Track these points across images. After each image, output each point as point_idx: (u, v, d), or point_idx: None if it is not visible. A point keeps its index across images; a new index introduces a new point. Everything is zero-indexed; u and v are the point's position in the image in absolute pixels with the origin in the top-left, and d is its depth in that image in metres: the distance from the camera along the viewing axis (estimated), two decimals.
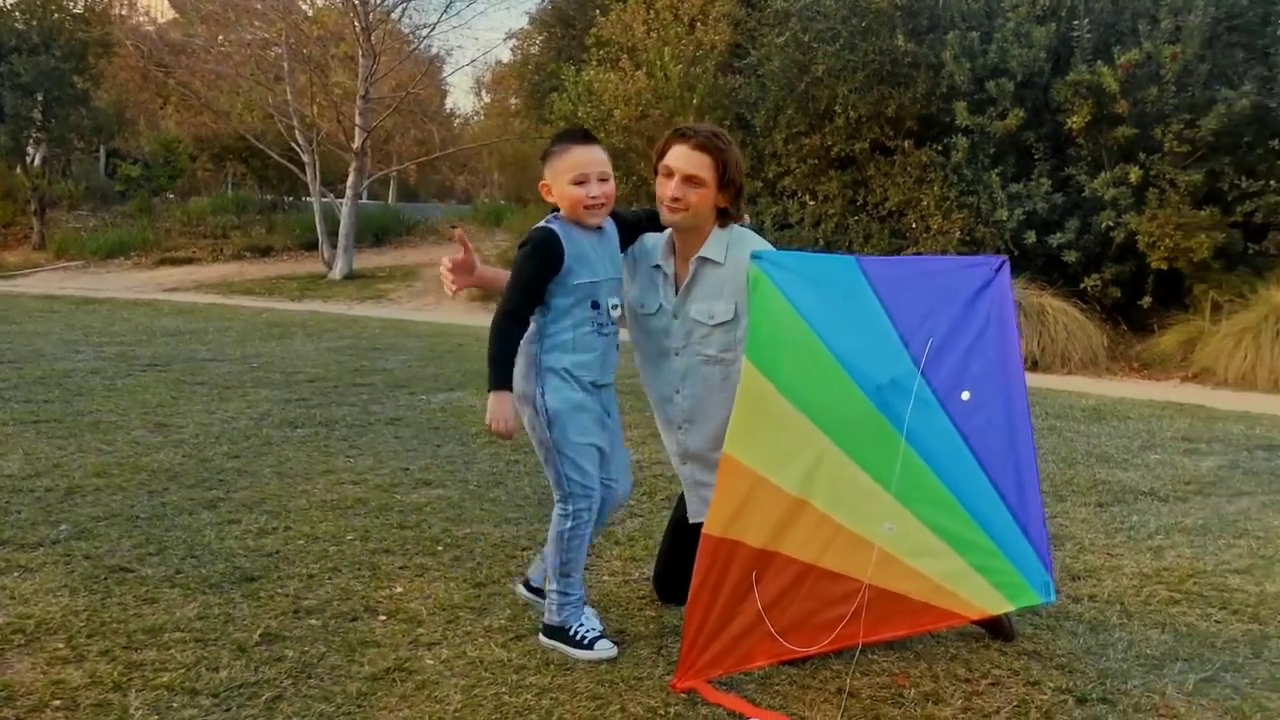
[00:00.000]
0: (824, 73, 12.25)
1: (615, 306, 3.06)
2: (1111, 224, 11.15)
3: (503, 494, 4.82)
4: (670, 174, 2.99)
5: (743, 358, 2.92)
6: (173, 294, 17.17)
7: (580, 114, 14.71)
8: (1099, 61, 10.95)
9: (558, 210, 3.01)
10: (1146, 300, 11.21)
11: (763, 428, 2.84)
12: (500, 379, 2.93)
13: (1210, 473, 5.63)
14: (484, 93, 39.99)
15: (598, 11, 15.92)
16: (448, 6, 25.47)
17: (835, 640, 2.90)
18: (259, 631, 3.12)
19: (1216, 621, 3.43)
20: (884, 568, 2.88)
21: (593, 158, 2.99)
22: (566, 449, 3.01)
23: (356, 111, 19.18)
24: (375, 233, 22.49)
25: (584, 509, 3.04)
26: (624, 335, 3.16)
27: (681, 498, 3.36)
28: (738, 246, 3.06)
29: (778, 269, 2.92)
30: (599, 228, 3.03)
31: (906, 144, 12.28)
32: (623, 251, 3.16)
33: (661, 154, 3.03)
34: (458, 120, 38.19)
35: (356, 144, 19.21)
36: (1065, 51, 11.45)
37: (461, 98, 67.60)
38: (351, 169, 19.36)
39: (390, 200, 31.31)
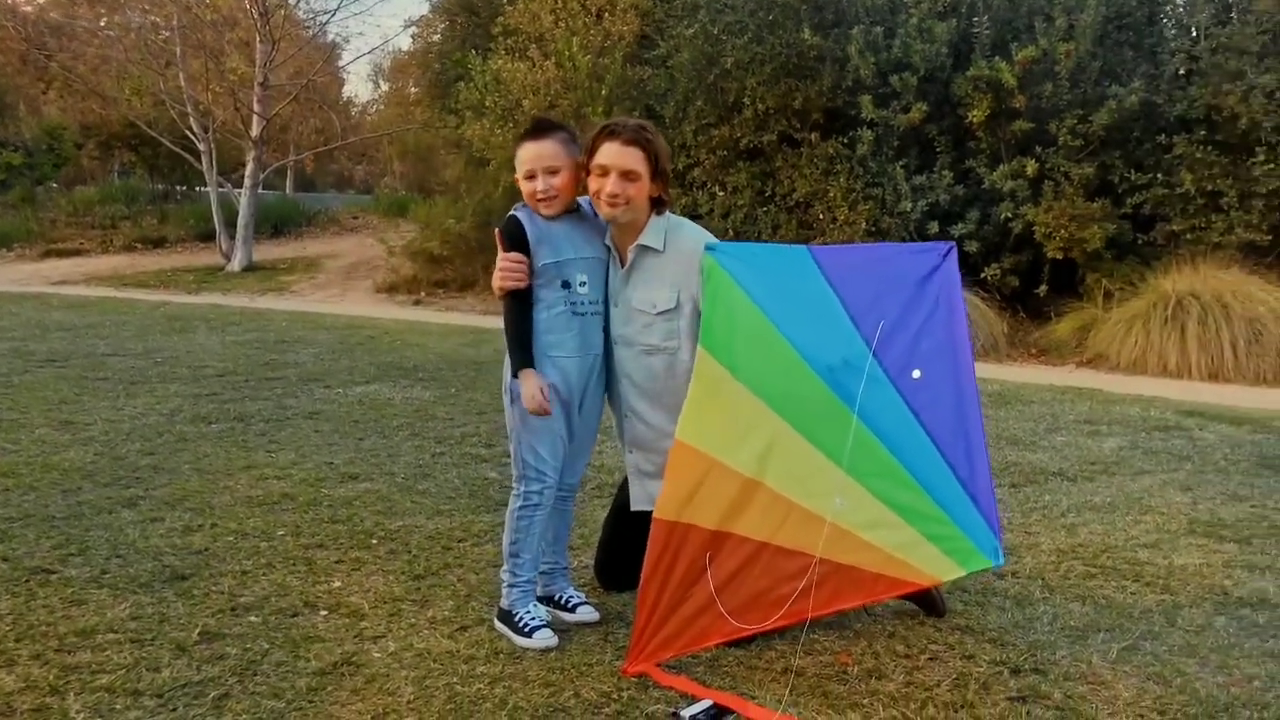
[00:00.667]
0: (732, 65, 12.36)
1: (584, 284, 3.09)
2: (1010, 215, 11.52)
3: (432, 486, 4.78)
4: (605, 172, 3.01)
5: (686, 345, 2.97)
6: (61, 287, 16.50)
7: (488, 103, 14.59)
8: (997, 57, 11.28)
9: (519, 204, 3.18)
10: (1043, 289, 11.61)
11: (716, 412, 2.89)
12: (522, 358, 3.03)
13: (1113, 453, 5.89)
14: (383, 81, 39.39)
15: (505, 0, 15.78)
16: None
17: (785, 615, 2.97)
18: (197, 630, 3.05)
19: (1132, 594, 3.60)
20: (836, 542, 2.96)
21: (540, 152, 3.03)
22: (524, 430, 3.05)
23: (254, 99, 18.68)
24: (274, 223, 21.99)
25: (534, 491, 3.08)
26: None
27: (623, 485, 3.38)
28: (676, 233, 3.11)
29: (731, 259, 2.98)
30: (569, 214, 3.09)
31: (813, 136, 12.48)
32: None
33: (591, 152, 3.04)
34: (356, 109, 37.55)
35: (255, 132, 18.71)
36: (965, 47, 11.77)
37: (360, 85, 66.26)
38: (250, 158, 18.85)
39: (287, 190, 30.58)
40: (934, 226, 11.68)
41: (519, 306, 3.03)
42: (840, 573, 3.01)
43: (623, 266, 3.14)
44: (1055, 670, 2.94)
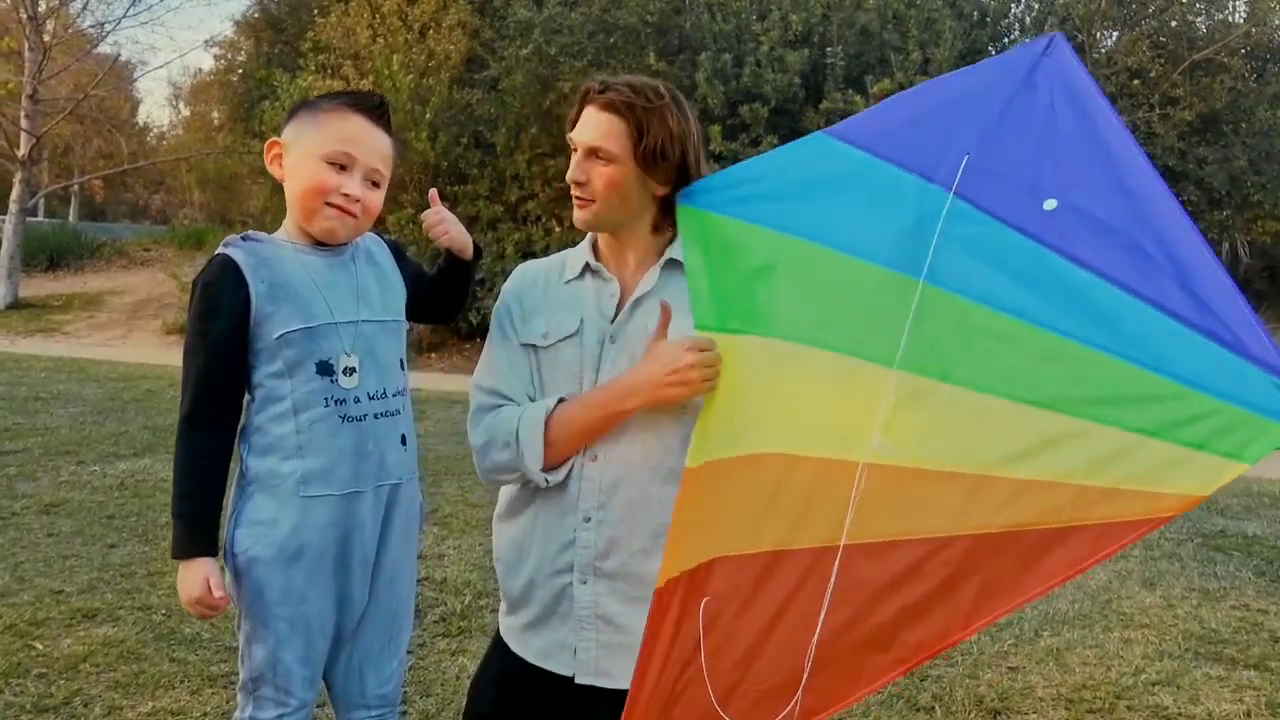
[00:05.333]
0: (571, 89, 11.36)
1: (350, 369, 1.85)
2: None
3: (206, 626, 3.43)
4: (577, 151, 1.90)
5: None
6: None
7: None
8: (851, 90, 10.72)
9: (245, 234, 1.85)
10: None
11: (729, 400, 1.78)
12: (190, 535, 1.74)
13: None
14: (183, 104, 36.66)
15: (316, 14, 14.33)
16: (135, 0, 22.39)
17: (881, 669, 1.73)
18: None
19: None
20: (916, 505, 1.67)
21: (371, 140, 1.84)
22: (257, 618, 1.81)
23: (22, 114, 16.45)
24: (50, 255, 19.51)
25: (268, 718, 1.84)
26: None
27: (498, 648, 2.15)
28: None
29: (712, 193, 1.86)
30: (340, 248, 1.87)
31: None
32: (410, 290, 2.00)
33: (573, 124, 1.92)
34: (153, 133, 34.79)
35: (22, 151, 16.45)
36: (818, 79, 11.17)
37: (157, 109, 62.25)
38: (16, 180, 16.53)
39: (71, 219, 27.67)
40: None
41: (206, 441, 1.77)
42: (980, 550, 1.63)
43: (620, 295, 1.99)
44: None
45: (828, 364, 1.72)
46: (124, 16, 21.48)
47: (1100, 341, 1.59)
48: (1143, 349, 1.57)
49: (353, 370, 1.80)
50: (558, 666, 1.94)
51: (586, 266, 1.96)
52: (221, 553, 1.77)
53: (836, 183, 1.83)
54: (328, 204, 1.78)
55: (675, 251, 1.93)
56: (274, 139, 1.83)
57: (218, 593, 1.72)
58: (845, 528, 1.64)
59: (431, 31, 13.16)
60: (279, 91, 13.70)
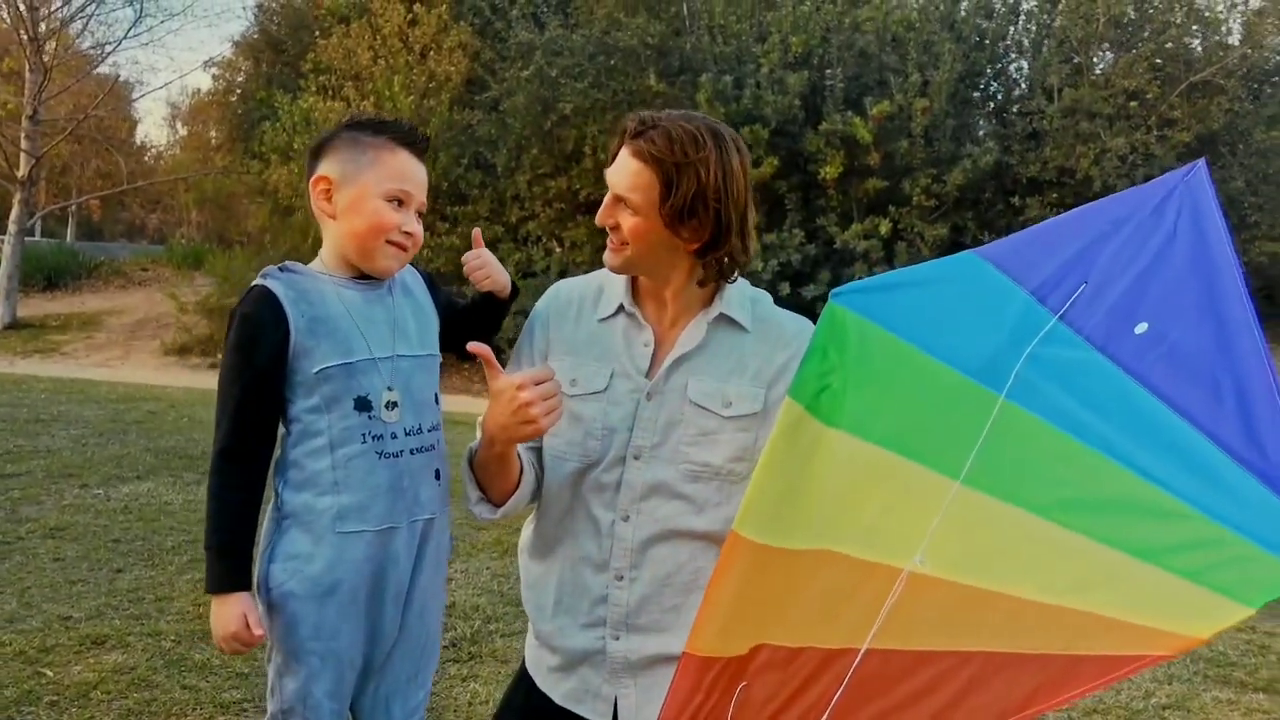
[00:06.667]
0: (572, 111, 11.42)
1: (393, 404, 1.85)
2: (864, 276, 10.96)
3: (216, 654, 3.42)
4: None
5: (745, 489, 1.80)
6: None
7: (297, 145, 13.13)
8: (851, 112, 10.76)
9: (276, 264, 1.86)
10: None
11: (805, 489, 1.78)
12: (226, 570, 1.73)
13: None
14: (180, 124, 36.69)
15: (317, 35, 14.38)
16: (137, 20, 22.43)
17: None
18: None
19: None
20: (958, 618, 1.71)
21: (420, 175, 1.86)
22: (289, 652, 1.80)
23: (22, 134, 16.47)
24: (47, 275, 19.49)
25: None
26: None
27: (519, 681, 2.15)
28: (766, 309, 1.94)
29: (862, 294, 1.85)
30: (378, 281, 1.87)
31: None
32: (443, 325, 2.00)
33: (612, 159, 1.90)
34: (150, 153, 34.82)
35: (22, 172, 16.46)
36: (818, 100, 11.22)
37: (155, 129, 62.27)
38: (16, 200, 16.53)
39: (69, 239, 27.66)
40: (785, 287, 10.98)
41: (243, 475, 1.76)
42: (990, 670, 1.63)
43: (655, 346, 1.96)
44: None
45: (903, 470, 1.76)
46: (125, 38, 21.56)
47: (1158, 475, 1.64)
48: (1200, 490, 1.61)
49: (395, 405, 1.80)
50: (588, 713, 1.93)
51: (621, 307, 1.93)
52: (255, 586, 1.76)
53: (968, 299, 1.84)
54: (389, 242, 1.79)
55: (729, 308, 1.89)
56: (321, 174, 1.82)
57: (257, 630, 1.71)
58: (872, 631, 1.68)
59: (432, 53, 13.21)
60: (279, 112, 13.74)
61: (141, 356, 14.81)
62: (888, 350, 1.83)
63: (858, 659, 1.65)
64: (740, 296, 1.91)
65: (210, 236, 26.23)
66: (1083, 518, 1.65)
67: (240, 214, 22.75)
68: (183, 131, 35.72)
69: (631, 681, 1.92)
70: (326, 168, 1.83)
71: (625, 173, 1.79)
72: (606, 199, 1.84)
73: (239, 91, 21.13)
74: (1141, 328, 1.65)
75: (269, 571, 1.78)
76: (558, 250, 12.24)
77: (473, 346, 1.76)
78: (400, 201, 1.81)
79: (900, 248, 10.94)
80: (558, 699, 1.98)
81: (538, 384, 1.70)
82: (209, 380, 12.09)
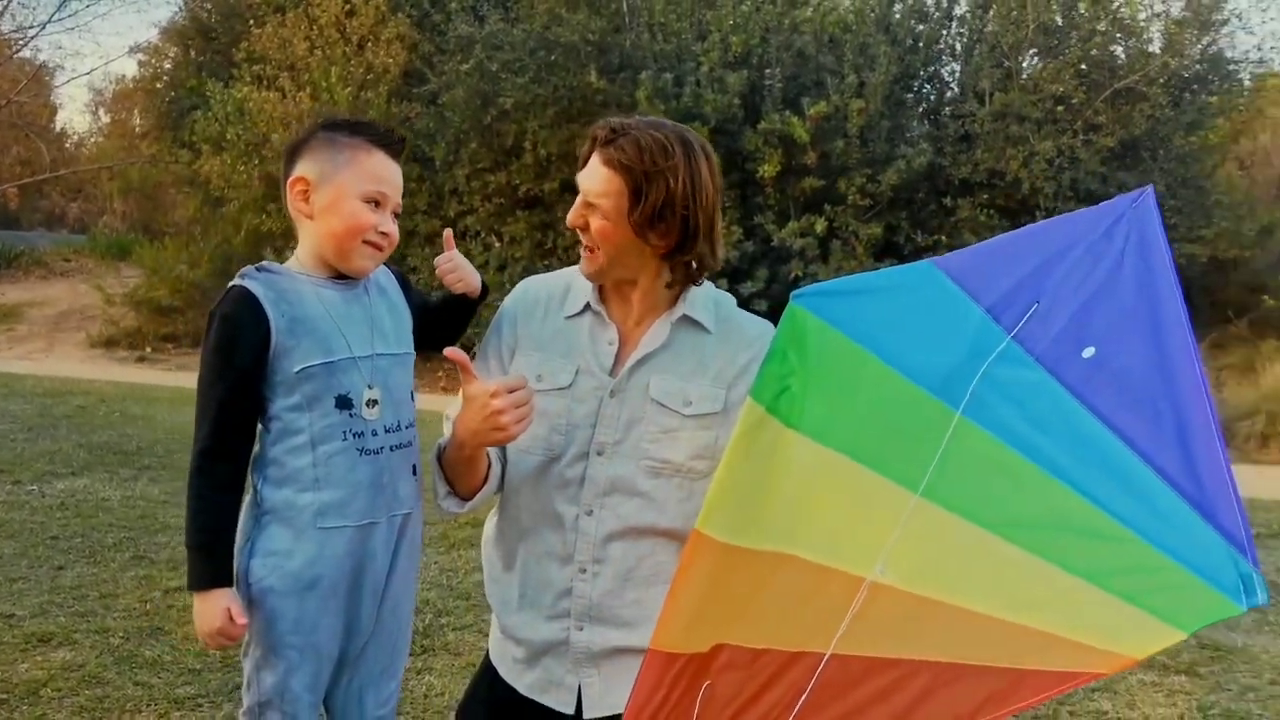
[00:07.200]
0: (512, 106, 11.39)
1: (373, 402, 1.89)
2: (800, 274, 11.12)
3: (166, 649, 3.40)
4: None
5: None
6: None
7: (230, 136, 12.93)
8: (789, 112, 10.91)
9: (254, 263, 1.89)
10: None
11: (764, 488, 1.84)
12: (208, 567, 1.75)
13: None
14: (103, 111, 35.71)
15: (251, 23, 14.14)
16: (62, 4, 21.75)
17: None
18: None
19: None
20: (895, 627, 1.81)
21: (396, 176, 1.90)
22: (268, 646, 1.83)
23: None
24: None
25: None
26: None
27: (487, 672, 2.18)
28: (729, 311, 2.01)
29: (822, 297, 1.90)
30: (354, 280, 1.91)
31: None
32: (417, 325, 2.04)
33: (583, 163, 1.95)
34: (71, 140, 33.84)
35: None
36: (756, 100, 11.34)
37: (76, 116, 60.44)
38: None
39: None
40: (723, 284, 11.09)
41: (226, 473, 1.79)
42: (944, 677, 1.74)
43: (620, 344, 2.05)
44: None
45: (861, 478, 1.82)
46: (49, 21, 20.92)
47: (1101, 498, 1.72)
48: (1140, 515, 1.71)
49: (375, 403, 1.84)
50: (553, 703, 1.99)
51: (588, 305, 2.00)
52: (234, 581, 1.79)
53: (925, 310, 1.91)
54: (365, 241, 1.83)
55: (693, 309, 1.96)
56: (299, 175, 1.85)
57: (240, 621, 1.74)
58: (835, 637, 1.75)
59: (370, 44, 13.08)
60: (212, 101, 13.49)
61: (66, 349, 14.45)
62: (847, 357, 1.91)
63: (822, 664, 1.74)
64: (704, 298, 1.99)
65: (135, 227, 25.58)
66: (1032, 536, 1.74)
67: (167, 204, 22.22)
68: (105, 119, 34.78)
69: (595, 670, 1.98)
70: (304, 169, 1.87)
71: (596, 179, 1.86)
72: (578, 201, 1.91)
73: (166, 79, 20.64)
74: (1089, 352, 1.76)
75: (249, 567, 1.81)
76: (496, 245, 12.21)
77: (450, 352, 1.82)
78: (377, 203, 1.86)
79: (835, 246, 11.11)
80: (522, 689, 2.03)
81: (511, 391, 1.75)
82: (138, 374, 11.86)
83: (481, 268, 12.01)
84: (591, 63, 11.49)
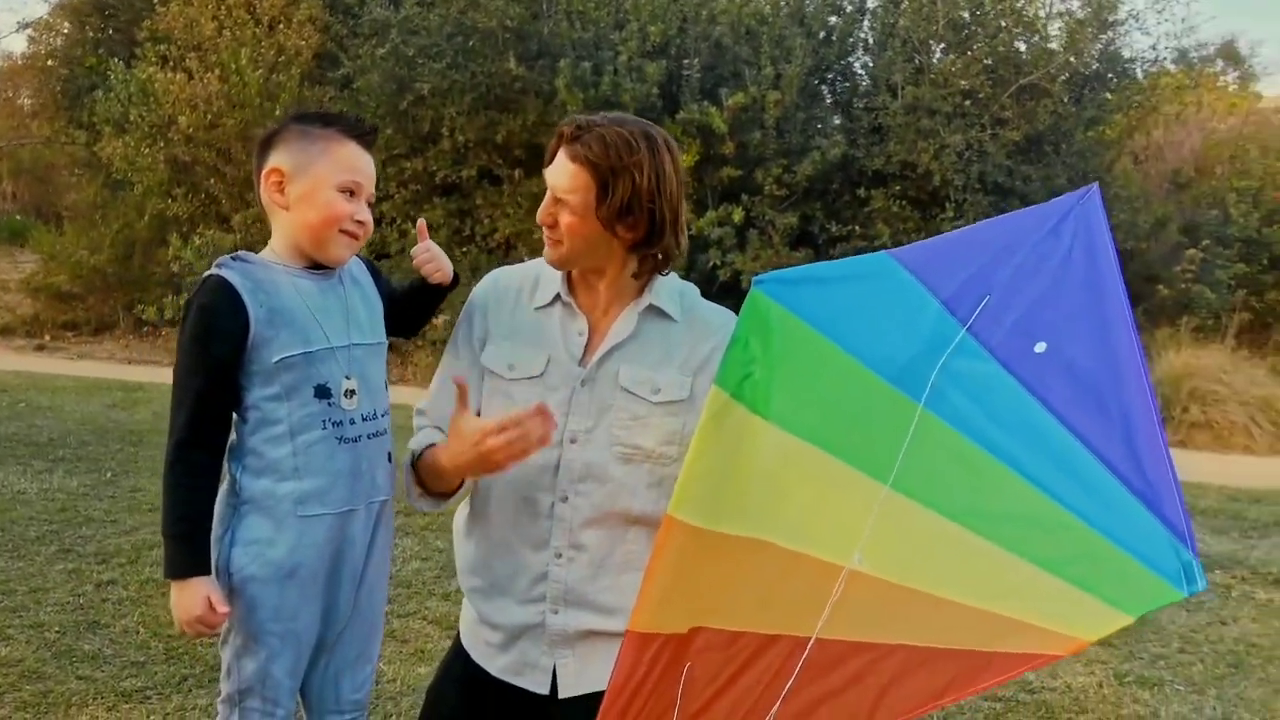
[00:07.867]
0: (429, 92, 11.28)
1: (351, 391, 1.92)
2: (718, 263, 11.26)
3: (106, 642, 3.35)
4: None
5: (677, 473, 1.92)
6: None
7: (133, 118, 12.53)
8: (707, 102, 11.02)
9: (232, 253, 1.91)
10: None
11: (732, 473, 1.91)
12: (187, 556, 1.76)
13: None
14: None
15: (154, 1, 13.69)
16: None
17: None
18: None
19: None
20: (879, 608, 1.91)
21: (370, 166, 1.95)
22: (249, 634, 1.85)
23: None
24: None
25: None
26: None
27: (458, 653, 2.22)
28: (693, 301, 2.08)
29: (782, 285, 1.97)
30: (330, 270, 1.93)
31: (517, 173, 11.64)
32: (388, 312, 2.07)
33: (549, 159, 2.00)
34: None
35: None
36: (675, 90, 11.43)
37: None
38: None
39: None
40: None
41: (203, 462, 1.80)
42: (906, 661, 1.85)
43: (589, 334, 2.07)
44: None
45: (829, 467, 1.90)
46: None
47: (1055, 490, 1.83)
48: (1089, 505, 1.82)
49: (353, 393, 1.87)
50: (527, 684, 2.05)
51: (558, 296, 2.05)
52: (214, 571, 1.80)
53: (883, 300, 2.00)
54: (342, 231, 1.85)
55: (658, 299, 2.04)
56: (273, 166, 1.87)
57: (221, 609, 1.75)
58: (820, 623, 1.83)
59: (281, 26, 12.79)
60: (113, 81, 13.05)
61: None
62: (809, 345, 2.00)
63: (808, 649, 1.82)
64: (669, 289, 2.07)
65: (26, 209, 24.58)
66: (994, 526, 1.84)
67: (61, 186, 21.40)
68: None
69: (570, 651, 2.04)
70: (278, 159, 1.88)
71: (563, 175, 1.92)
72: (546, 198, 1.98)
73: (59, 56, 19.85)
74: (1041, 347, 1.89)
75: (230, 556, 1.82)
76: (412, 232, 12.09)
77: (455, 379, 1.87)
78: (352, 192, 1.89)
79: (752, 235, 11.27)
80: (495, 672, 2.08)
81: (503, 431, 1.78)
82: (37, 363, 11.46)
83: (397, 255, 11.92)
84: (510, 49, 11.43)
